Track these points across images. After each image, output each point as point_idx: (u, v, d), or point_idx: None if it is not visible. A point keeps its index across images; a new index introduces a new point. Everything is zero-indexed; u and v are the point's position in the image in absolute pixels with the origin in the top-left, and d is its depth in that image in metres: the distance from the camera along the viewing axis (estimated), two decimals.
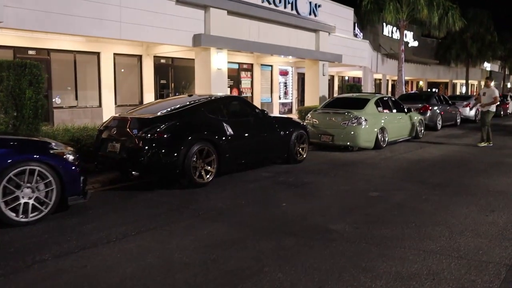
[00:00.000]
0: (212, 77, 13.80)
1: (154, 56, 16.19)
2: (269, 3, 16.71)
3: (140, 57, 15.99)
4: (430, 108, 15.37)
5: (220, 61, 13.89)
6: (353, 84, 18.88)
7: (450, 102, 18.00)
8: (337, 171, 7.90)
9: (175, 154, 6.19)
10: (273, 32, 16.24)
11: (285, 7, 17.55)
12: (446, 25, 24.64)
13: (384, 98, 11.92)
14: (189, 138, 6.38)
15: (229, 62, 19.40)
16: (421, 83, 40.92)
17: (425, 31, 29.13)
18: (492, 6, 68.32)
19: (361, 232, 4.43)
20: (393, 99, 12.56)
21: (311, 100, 18.39)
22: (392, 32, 34.00)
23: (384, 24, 31.70)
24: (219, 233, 4.43)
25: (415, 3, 23.18)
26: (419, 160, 9.16)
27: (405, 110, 12.19)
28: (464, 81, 41.84)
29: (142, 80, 16.06)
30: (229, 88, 18.57)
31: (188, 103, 7.14)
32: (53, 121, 12.95)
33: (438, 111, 15.88)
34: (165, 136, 6.19)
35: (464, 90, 42.85)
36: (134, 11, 11.84)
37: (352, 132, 10.12)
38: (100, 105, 14.52)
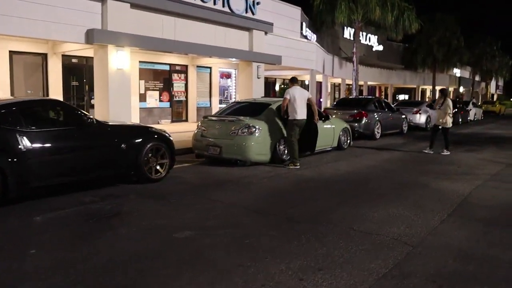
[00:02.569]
0: (110, 78, 11.99)
1: (63, 55, 14.32)
2: None
3: (45, 55, 14.10)
4: (367, 114, 13.79)
5: (120, 60, 12.09)
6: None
7: (394, 108, 16.50)
8: (192, 195, 6.16)
9: None
10: (195, 30, 14.53)
11: (214, 3, 15.90)
12: (403, 27, 23.32)
13: None
14: None
15: (158, 63, 17.76)
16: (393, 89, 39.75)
17: (384, 34, 27.86)
18: (460, 11, 67.73)
19: None
20: (310, 105, 10.86)
21: None
22: (355, 35, 32.63)
23: (345, 27, 30.37)
24: None
25: (368, 3, 21.85)
26: (311, 179, 7.47)
27: (327, 117, 10.54)
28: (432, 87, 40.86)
29: (47, 81, 14.17)
30: (156, 91, 16.82)
31: None
32: None
33: (377, 118, 14.33)
34: None
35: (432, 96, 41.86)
36: (20, 2, 10.08)
37: (242, 143, 8.40)
38: None
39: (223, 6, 16.31)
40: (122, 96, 12.31)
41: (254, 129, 8.50)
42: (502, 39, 61.75)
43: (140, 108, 17.02)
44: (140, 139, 6.71)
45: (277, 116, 9.12)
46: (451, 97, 45.38)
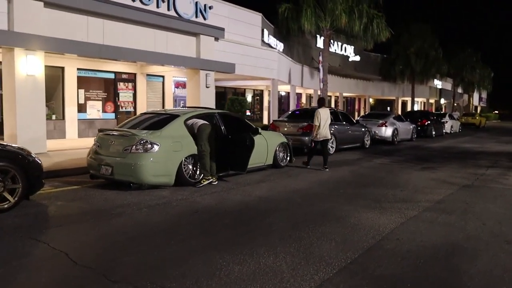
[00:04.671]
0: (18, 85, 10.41)
1: None
2: (133, 0, 13.67)
3: None
4: None
5: (31, 65, 10.55)
6: (235, 98, 15.76)
7: (353, 120, 15.10)
8: (22, 232, 4.61)
9: None
10: (130, 34, 13.05)
11: (158, 6, 14.54)
12: (372, 35, 22.11)
13: (224, 115, 8.78)
14: None
15: (101, 71, 16.23)
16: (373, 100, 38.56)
17: (355, 43, 26.73)
18: (439, 22, 67.20)
19: None
20: (236, 117, 9.41)
21: None
22: (328, 45, 31.48)
23: (318, 36, 29.16)
24: None
25: (334, 10, 20.64)
26: (203, 209, 5.93)
27: (256, 130, 9.06)
28: (416, 99, 39.81)
29: None
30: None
31: None
32: None
33: (332, 131, 12.84)
34: None
35: (415, 108, 40.80)
36: None
37: (135, 163, 6.87)
38: None
39: (168, 9, 14.99)
40: (33, 106, 10.73)
41: (150, 146, 6.98)
42: (482, 50, 61.40)
43: (78, 119, 15.47)
44: None
45: (185, 129, 7.63)
46: (425, 108, 44.43)
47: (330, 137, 10.32)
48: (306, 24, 20.74)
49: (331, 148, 12.79)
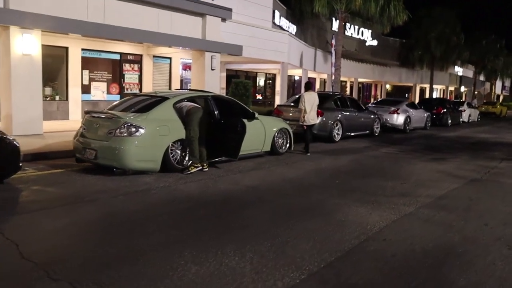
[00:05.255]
0: (14, 65, 10.15)
1: None
2: None
3: None
4: (322, 113, 11.79)
5: (27, 44, 10.26)
6: (239, 81, 15.23)
7: (362, 107, 14.48)
8: None
9: None
10: (132, 13, 12.62)
11: None
12: (388, 18, 21.19)
13: (217, 98, 8.35)
14: None
15: (106, 52, 15.91)
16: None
17: (371, 26, 25.76)
18: (462, 7, 64.21)
19: None
20: (231, 100, 8.91)
21: None
22: (345, 28, 30.50)
23: (334, 18, 28.22)
24: None
25: None
26: (184, 198, 5.55)
27: (253, 115, 8.61)
28: (434, 86, 38.53)
29: None
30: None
31: None
32: None
33: (338, 118, 12.33)
34: None
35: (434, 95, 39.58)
36: None
37: (118, 147, 6.53)
38: None
39: None
40: (29, 86, 10.48)
41: (135, 129, 6.62)
42: (506, 37, 58.89)
43: (82, 101, 15.23)
44: None
45: (174, 113, 7.24)
46: (444, 96, 43.04)
47: (317, 121, 10.39)
48: (318, 7, 19.95)
49: (336, 135, 12.29)
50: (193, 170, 7.08)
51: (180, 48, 14.62)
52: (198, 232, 4.17)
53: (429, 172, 8.00)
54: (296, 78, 27.19)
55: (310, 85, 10.78)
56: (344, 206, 5.32)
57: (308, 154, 9.65)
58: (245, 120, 8.06)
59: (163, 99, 7.41)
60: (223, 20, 15.37)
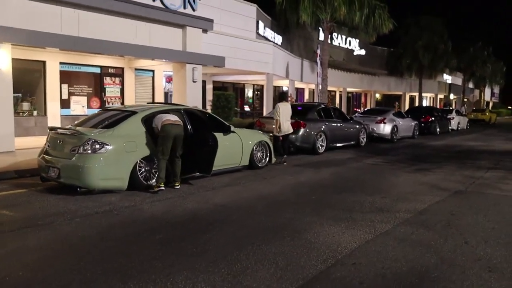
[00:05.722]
0: None
1: None
2: None
3: None
4: (305, 125, 11.53)
5: None
6: (221, 93, 14.95)
7: (347, 117, 14.24)
8: None
9: None
10: (108, 25, 12.36)
11: None
12: (373, 27, 21.11)
13: (190, 112, 8.01)
14: None
15: (85, 65, 15.57)
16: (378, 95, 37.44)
17: (358, 35, 25.67)
18: (449, 15, 64.82)
19: None
20: (204, 114, 8.60)
21: None
22: (331, 38, 30.45)
23: (320, 28, 28.17)
24: None
25: (333, 1, 19.65)
26: (144, 220, 5.19)
27: (228, 128, 8.30)
28: (424, 94, 38.52)
29: None
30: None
31: None
32: None
33: (322, 129, 12.04)
34: None
35: (423, 103, 39.56)
36: None
37: (82, 165, 6.17)
38: None
39: (154, 0, 14.22)
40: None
41: (99, 146, 6.27)
42: (494, 44, 59.44)
43: (62, 115, 14.85)
44: None
45: (143, 128, 6.90)
46: (428, 104, 43.06)
47: (291, 130, 10.39)
48: (304, 16, 19.80)
49: (320, 147, 11.99)
50: (156, 190, 6.66)
51: (164, 60, 14.34)
52: (149, 261, 3.80)
53: (412, 185, 7.70)
54: (285, 88, 27.00)
55: (284, 95, 10.97)
56: (316, 225, 4.98)
57: (285, 163, 9.74)
58: (220, 134, 7.77)
59: (131, 113, 7.07)
60: (205, 31, 15.15)
